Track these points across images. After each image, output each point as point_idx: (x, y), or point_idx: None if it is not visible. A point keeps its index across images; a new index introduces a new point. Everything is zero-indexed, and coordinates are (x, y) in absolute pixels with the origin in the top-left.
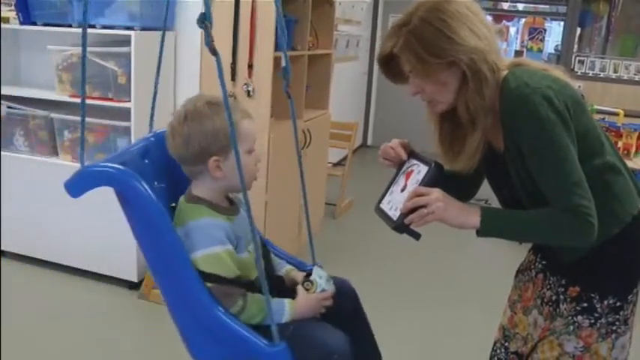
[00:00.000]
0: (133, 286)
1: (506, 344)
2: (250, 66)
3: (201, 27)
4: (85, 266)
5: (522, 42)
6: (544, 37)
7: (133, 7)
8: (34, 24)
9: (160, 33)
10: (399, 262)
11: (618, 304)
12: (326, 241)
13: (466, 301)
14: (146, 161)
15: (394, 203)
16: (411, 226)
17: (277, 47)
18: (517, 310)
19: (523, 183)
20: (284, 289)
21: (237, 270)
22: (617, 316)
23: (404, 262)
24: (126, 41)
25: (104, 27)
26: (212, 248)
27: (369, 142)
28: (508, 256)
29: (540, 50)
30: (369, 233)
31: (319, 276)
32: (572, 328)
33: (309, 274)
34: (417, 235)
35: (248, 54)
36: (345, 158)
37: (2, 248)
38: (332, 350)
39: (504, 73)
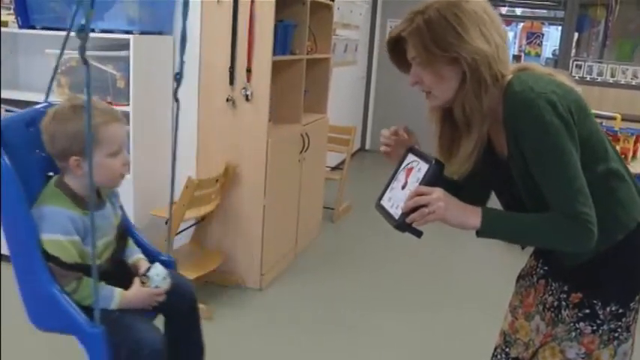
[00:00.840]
0: None
1: (507, 350)
2: (249, 70)
3: (79, 37)
4: None
5: (520, 46)
6: (542, 42)
7: (131, 11)
8: (33, 28)
9: (159, 37)
10: (398, 265)
11: (620, 310)
12: (324, 244)
13: (466, 303)
14: (31, 129)
15: (395, 200)
16: (413, 225)
17: (275, 52)
18: (518, 315)
19: (526, 187)
20: (129, 276)
21: (77, 258)
22: (620, 323)
23: (402, 265)
24: (125, 45)
25: (103, 31)
26: (57, 235)
27: (367, 146)
28: (507, 258)
29: (538, 55)
30: (367, 237)
31: (156, 273)
32: (574, 334)
33: (149, 269)
34: (418, 233)
35: (246, 58)
36: (343, 162)
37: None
38: (144, 345)
39: (509, 77)
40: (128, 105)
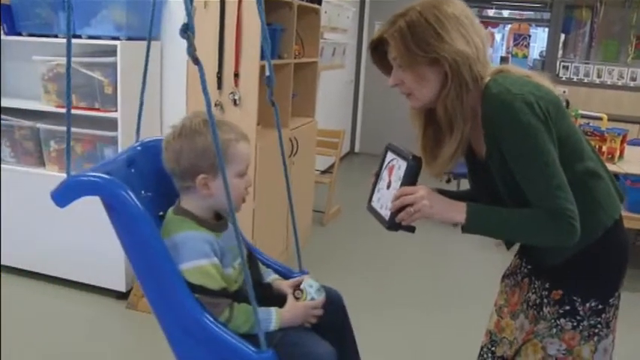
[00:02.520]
0: (121, 296)
1: (493, 349)
2: (236, 75)
3: (183, 37)
4: (72, 277)
5: (508, 48)
6: (529, 43)
7: (118, 17)
8: (20, 34)
9: (146, 43)
10: (388, 268)
11: (600, 306)
12: (314, 248)
13: (456, 303)
14: (132, 170)
15: (383, 201)
16: (403, 223)
17: (263, 56)
18: (504, 314)
19: (506, 187)
20: (272, 296)
21: (223, 282)
22: (599, 319)
23: (392, 267)
24: (112, 51)
25: (90, 37)
26: (198, 261)
27: (357, 149)
28: (494, 258)
29: (525, 56)
30: (358, 239)
31: (309, 285)
32: (555, 330)
33: (299, 283)
34: (412, 229)
35: (234, 63)
36: (332, 165)
37: None
38: (319, 358)
39: (487, 79)
40: (116, 111)
